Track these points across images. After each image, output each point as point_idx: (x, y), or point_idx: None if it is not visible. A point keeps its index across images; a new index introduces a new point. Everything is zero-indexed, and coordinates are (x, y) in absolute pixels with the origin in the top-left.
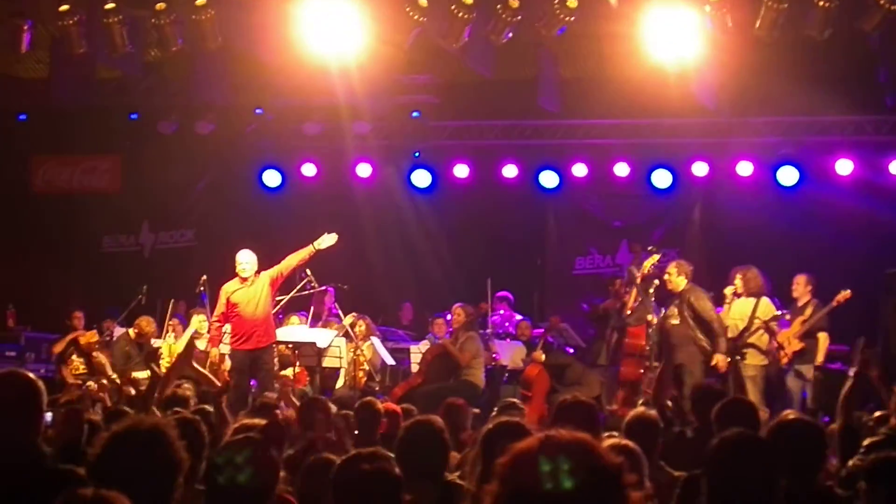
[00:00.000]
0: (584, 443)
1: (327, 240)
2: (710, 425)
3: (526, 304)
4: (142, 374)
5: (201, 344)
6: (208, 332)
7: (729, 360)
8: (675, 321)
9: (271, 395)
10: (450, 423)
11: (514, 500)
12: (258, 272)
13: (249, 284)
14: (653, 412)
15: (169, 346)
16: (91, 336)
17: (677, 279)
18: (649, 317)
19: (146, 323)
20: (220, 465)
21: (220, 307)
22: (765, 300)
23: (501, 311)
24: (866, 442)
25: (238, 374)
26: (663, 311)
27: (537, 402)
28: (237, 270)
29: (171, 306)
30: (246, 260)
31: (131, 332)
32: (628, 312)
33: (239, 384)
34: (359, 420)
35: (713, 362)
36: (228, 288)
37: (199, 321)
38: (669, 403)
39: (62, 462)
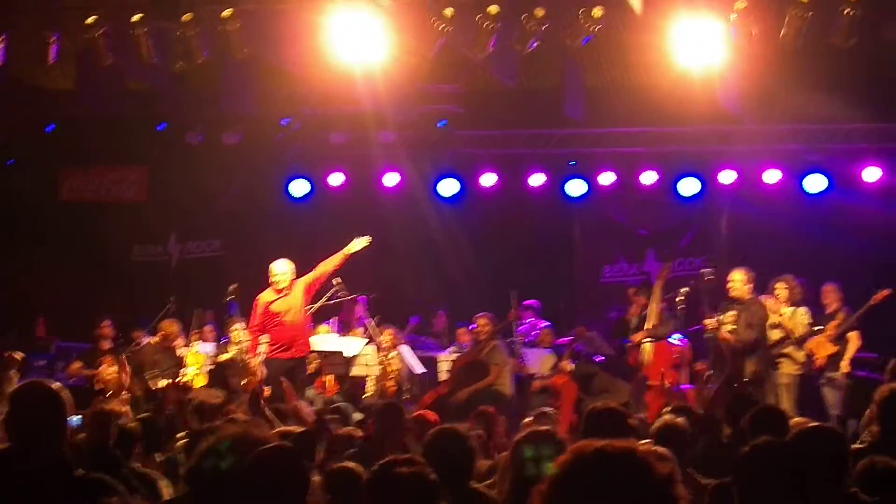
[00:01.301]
0: (634, 454)
1: (359, 243)
2: (743, 433)
3: (553, 313)
4: (163, 383)
5: (233, 352)
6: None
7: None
8: (735, 327)
9: (302, 403)
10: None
11: None
12: (293, 280)
13: (286, 294)
14: (680, 419)
15: (194, 355)
16: (112, 374)
17: (745, 287)
18: (709, 321)
19: (168, 324)
20: (204, 453)
21: (257, 318)
22: (801, 310)
23: (529, 320)
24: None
25: (273, 382)
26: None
27: (566, 411)
28: (272, 282)
29: (194, 317)
30: (282, 271)
31: (154, 339)
32: (653, 324)
33: (273, 392)
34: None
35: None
36: (266, 298)
37: (239, 329)
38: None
39: (93, 465)
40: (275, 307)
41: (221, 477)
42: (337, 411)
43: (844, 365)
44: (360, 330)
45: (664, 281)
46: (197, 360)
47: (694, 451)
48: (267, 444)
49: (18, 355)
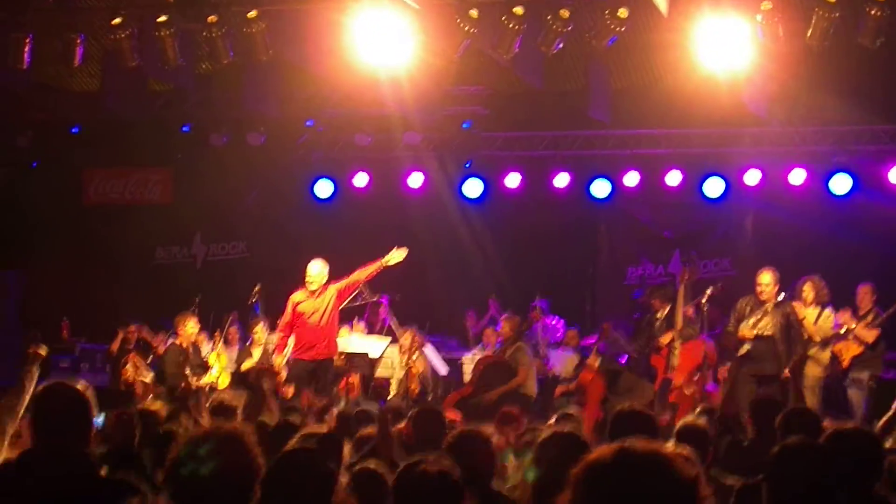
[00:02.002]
0: (660, 455)
1: (396, 255)
2: (767, 434)
3: (578, 314)
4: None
5: (257, 353)
6: (279, 340)
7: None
8: (768, 332)
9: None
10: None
11: None
12: (327, 283)
13: (317, 296)
14: (702, 420)
15: (217, 355)
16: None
17: (774, 289)
18: (746, 332)
19: (181, 318)
20: (183, 458)
21: (287, 316)
22: (826, 312)
23: (553, 321)
24: None
25: (296, 383)
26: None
27: (591, 408)
28: (306, 282)
29: (228, 321)
30: (315, 273)
31: (178, 340)
32: (679, 326)
33: (297, 393)
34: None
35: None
36: (296, 297)
37: (261, 331)
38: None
39: (116, 464)
40: (302, 307)
41: (195, 481)
42: (364, 413)
43: (865, 378)
44: (362, 325)
45: (688, 283)
46: (221, 361)
47: (716, 452)
48: (239, 438)
49: (43, 350)
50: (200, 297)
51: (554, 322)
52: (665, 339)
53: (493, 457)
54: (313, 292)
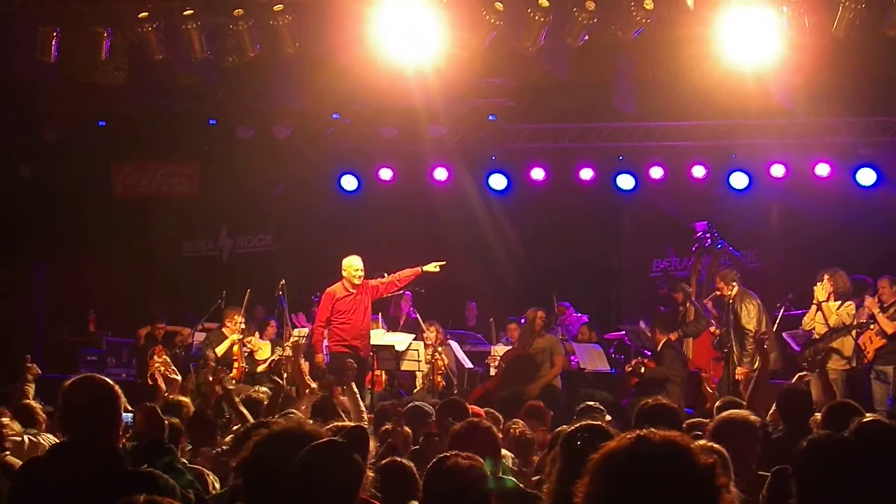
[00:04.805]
0: (677, 443)
1: (433, 266)
2: (797, 426)
3: (603, 307)
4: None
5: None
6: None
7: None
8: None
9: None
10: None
11: (606, 498)
12: (364, 280)
13: (358, 293)
14: (745, 412)
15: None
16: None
17: (728, 291)
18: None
19: (230, 311)
20: (256, 445)
21: (325, 312)
22: (848, 304)
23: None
24: None
25: (337, 376)
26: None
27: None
28: (352, 276)
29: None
30: (358, 267)
31: (229, 328)
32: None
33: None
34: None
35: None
36: (336, 293)
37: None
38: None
39: (150, 458)
40: (342, 305)
41: (273, 470)
42: (416, 409)
43: (889, 371)
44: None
45: (697, 275)
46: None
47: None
48: (319, 438)
49: (35, 369)
50: (226, 293)
51: (579, 317)
52: (672, 335)
53: (498, 447)
54: (356, 286)
